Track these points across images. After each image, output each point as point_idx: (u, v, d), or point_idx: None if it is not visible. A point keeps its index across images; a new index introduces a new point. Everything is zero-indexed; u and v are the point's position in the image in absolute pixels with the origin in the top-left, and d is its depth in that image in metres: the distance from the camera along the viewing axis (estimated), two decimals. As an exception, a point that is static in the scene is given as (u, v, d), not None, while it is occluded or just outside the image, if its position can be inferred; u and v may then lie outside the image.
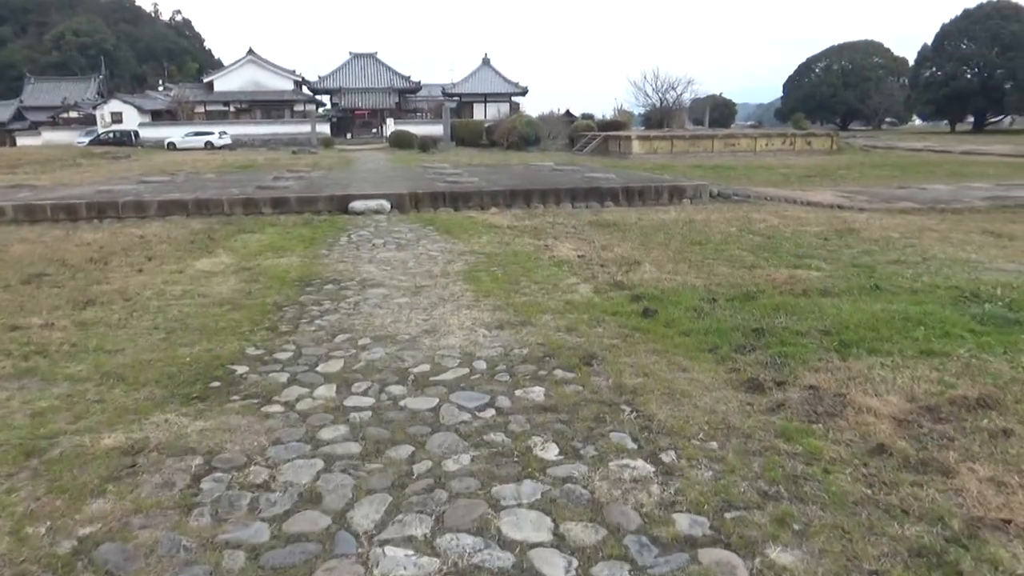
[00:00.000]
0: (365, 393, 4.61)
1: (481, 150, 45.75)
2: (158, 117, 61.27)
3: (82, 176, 24.40)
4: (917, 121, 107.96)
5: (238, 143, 51.36)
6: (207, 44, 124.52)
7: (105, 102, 60.99)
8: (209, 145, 49.28)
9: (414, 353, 5.41)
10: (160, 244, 10.74)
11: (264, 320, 6.38)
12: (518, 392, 4.57)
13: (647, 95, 58.34)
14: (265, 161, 36.14)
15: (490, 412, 4.27)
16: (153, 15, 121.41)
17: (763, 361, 4.99)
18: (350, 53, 67.13)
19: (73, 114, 64.95)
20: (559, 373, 4.91)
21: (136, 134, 53.35)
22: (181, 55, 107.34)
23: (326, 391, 4.64)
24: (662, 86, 57.25)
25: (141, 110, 60.44)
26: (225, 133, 52.19)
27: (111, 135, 52.66)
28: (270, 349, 5.54)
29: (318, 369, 5.09)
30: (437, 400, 4.45)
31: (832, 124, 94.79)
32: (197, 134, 51.57)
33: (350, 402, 4.46)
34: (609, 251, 9.80)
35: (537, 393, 4.54)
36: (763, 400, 4.34)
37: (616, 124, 51.55)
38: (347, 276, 8.35)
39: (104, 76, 72.20)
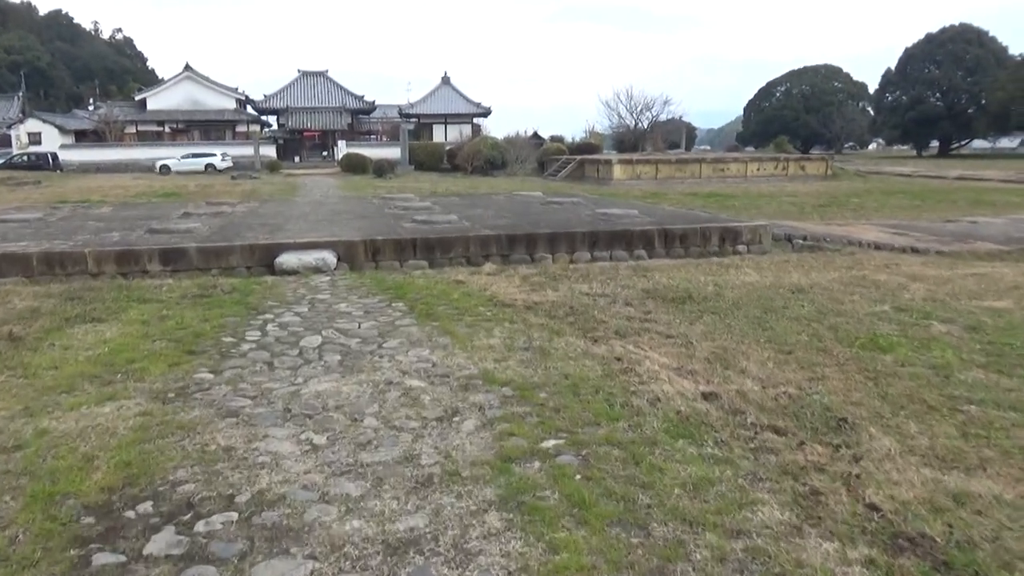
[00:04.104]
0: None
1: (443, 175, 41.18)
2: (83, 138, 55.25)
3: (-50, 209, 19.08)
4: (872, 146, 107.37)
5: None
6: (150, 64, 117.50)
7: (22, 121, 54.69)
8: (211, 167, 45.70)
9: None
10: (-98, 358, 5.82)
11: None
12: None
13: (620, 116, 54.60)
14: (196, 188, 31.04)
15: None
16: (93, 33, 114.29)
17: None
18: (299, 71, 62.04)
19: (-12, 134, 58.37)
20: None
21: (55, 156, 47.36)
22: (122, 75, 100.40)
23: None
24: (636, 106, 53.57)
25: (63, 130, 54.33)
26: (227, 155, 48.17)
27: (24, 158, 46.57)
28: None
29: None
30: None
31: (794, 148, 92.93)
32: (195, 156, 47.64)
33: None
34: (739, 371, 5.27)
35: None
36: None
37: (589, 147, 47.84)
38: (223, 484, 3.60)
39: (25, 94, 65.41)
